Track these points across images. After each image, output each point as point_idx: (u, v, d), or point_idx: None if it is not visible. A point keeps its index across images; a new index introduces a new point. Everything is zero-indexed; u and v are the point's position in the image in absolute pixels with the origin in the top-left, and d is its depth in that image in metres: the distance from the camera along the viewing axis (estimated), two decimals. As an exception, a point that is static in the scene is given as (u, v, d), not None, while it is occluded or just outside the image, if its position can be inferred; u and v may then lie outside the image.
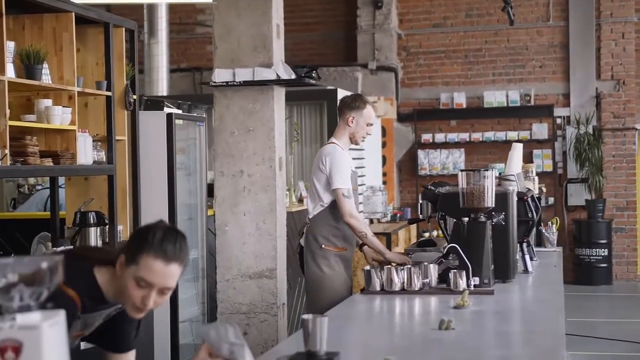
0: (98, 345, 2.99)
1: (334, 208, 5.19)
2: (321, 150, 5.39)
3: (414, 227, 11.48)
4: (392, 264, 4.70)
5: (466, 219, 4.40)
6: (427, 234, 12.37)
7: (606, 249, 12.40)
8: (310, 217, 5.32)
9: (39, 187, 8.57)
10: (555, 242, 6.45)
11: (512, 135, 12.73)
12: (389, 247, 8.85)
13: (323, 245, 5.22)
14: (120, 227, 5.77)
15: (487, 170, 4.41)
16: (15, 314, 1.73)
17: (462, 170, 4.45)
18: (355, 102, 5.35)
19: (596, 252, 12.38)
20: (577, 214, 12.83)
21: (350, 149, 7.47)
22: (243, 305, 5.79)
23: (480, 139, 12.90)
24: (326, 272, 5.20)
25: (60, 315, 1.77)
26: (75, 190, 5.80)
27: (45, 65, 4.94)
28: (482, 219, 4.40)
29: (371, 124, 5.39)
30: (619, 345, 8.49)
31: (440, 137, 13.05)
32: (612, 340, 8.67)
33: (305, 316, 2.72)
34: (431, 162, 13.08)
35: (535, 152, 12.79)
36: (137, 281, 2.63)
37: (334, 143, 5.34)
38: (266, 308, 5.79)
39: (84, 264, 2.76)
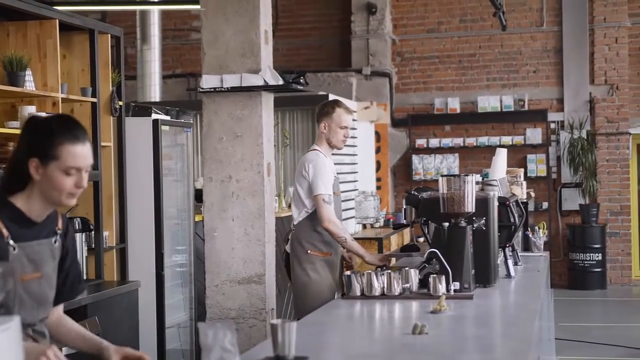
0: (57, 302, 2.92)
1: None
2: (303, 157, 5.45)
3: (407, 232, 11.49)
4: (373, 267, 4.72)
5: (446, 224, 4.41)
6: (421, 239, 12.37)
7: (600, 254, 12.41)
8: (295, 223, 5.41)
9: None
10: (542, 247, 6.44)
11: (506, 140, 12.75)
12: (380, 252, 8.86)
13: (309, 251, 5.28)
14: (106, 233, 5.78)
15: (467, 175, 4.42)
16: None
17: (442, 176, 4.47)
18: (325, 108, 5.43)
19: (590, 256, 12.38)
20: (571, 219, 12.84)
21: (340, 154, 7.50)
22: (232, 310, 5.80)
23: (475, 144, 12.92)
24: (312, 278, 5.25)
25: (14, 322, 1.78)
26: (62, 196, 5.81)
27: (28, 72, 4.97)
28: (463, 224, 4.40)
29: (345, 127, 5.39)
30: (613, 350, 8.50)
31: (434, 142, 13.06)
32: (606, 345, 8.67)
33: (273, 321, 2.74)
34: (425, 167, 13.09)
35: (529, 157, 12.80)
36: (66, 172, 2.69)
37: (315, 150, 5.41)
38: (255, 313, 5.80)
39: None
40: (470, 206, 4.39)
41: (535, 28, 12.98)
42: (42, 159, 2.69)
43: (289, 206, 8.17)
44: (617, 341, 8.79)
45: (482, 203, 4.54)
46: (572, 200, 12.74)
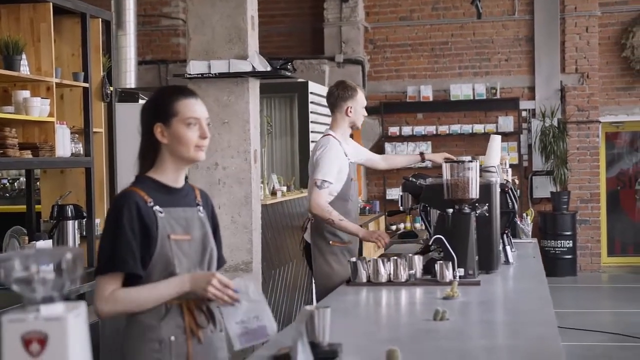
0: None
1: (338, 202, 5.12)
2: (317, 143, 5.32)
3: (382, 219, 11.53)
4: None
5: (451, 210, 4.40)
6: (394, 227, 12.42)
7: (571, 241, 12.54)
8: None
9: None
10: (530, 233, 6.50)
11: (479, 128, 12.82)
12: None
13: (331, 242, 5.16)
14: (98, 220, 5.69)
15: (472, 161, 4.42)
16: (39, 306, 1.70)
17: (446, 162, 4.45)
18: (348, 91, 5.34)
19: (561, 243, 12.52)
20: (542, 206, 12.95)
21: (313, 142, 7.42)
22: (219, 298, 5.75)
23: (447, 132, 12.96)
24: (335, 268, 5.13)
25: (82, 307, 1.74)
26: (52, 183, 5.72)
27: (23, 56, 4.87)
28: (467, 210, 4.41)
29: (365, 106, 5.46)
30: (584, 335, 8.59)
31: (407, 130, 13.09)
32: (578, 330, 8.76)
33: (308, 307, 2.71)
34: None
35: (501, 144, 12.84)
36: (187, 124, 2.87)
37: (328, 135, 5.29)
38: (242, 301, 5.76)
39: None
40: (474, 192, 4.39)
41: (508, 16, 13.05)
42: (164, 120, 2.87)
43: (273, 193, 8.14)
44: (588, 326, 8.90)
45: (485, 189, 4.55)
46: (543, 187, 12.85)
